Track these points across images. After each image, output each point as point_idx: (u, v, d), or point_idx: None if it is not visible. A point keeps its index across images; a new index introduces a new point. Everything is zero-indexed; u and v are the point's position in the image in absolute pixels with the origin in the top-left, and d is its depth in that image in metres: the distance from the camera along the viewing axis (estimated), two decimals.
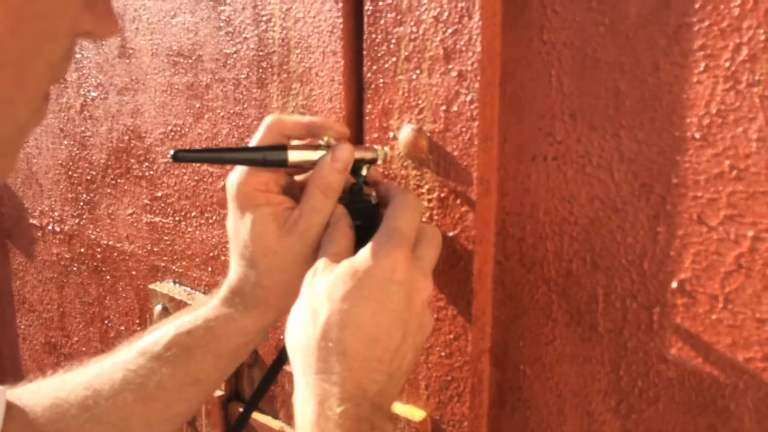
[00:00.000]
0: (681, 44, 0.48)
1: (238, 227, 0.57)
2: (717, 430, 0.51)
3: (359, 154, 0.57)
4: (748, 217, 0.47)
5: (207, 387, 0.62)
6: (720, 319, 0.49)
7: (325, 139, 0.55)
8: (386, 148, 0.60)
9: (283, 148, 0.55)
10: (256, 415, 0.78)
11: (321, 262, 0.53)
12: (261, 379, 0.65)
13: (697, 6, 0.47)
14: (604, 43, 0.51)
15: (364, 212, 0.57)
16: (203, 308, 0.60)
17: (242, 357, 0.62)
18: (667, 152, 0.50)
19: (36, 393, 0.59)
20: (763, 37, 0.44)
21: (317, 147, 0.55)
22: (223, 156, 0.58)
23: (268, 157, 0.54)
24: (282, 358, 0.63)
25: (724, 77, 0.46)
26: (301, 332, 0.50)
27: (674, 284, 0.51)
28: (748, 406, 0.49)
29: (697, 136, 0.48)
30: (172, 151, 0.53)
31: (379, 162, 0.59)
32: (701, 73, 0.47)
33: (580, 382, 0.57)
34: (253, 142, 0.56)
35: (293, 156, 0.55)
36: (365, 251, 0.51)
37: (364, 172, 0.57)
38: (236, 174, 0.56)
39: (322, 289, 0.50)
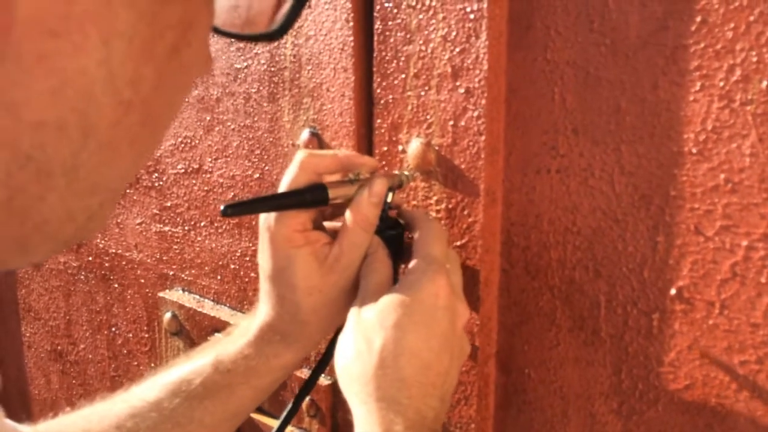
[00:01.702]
0: (678, 64, 0.50)
1: (281, 269, 0.57)
2: (713, 430, 0.54)
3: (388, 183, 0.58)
4: (742, 227, 0.50)
5: (243, 417, 0.62)
6: (716, 325, 0.52)
7: (357, 173, 0.57)
8: (406, 172, 0.61)
9: (324, 187, 0.55)
10: (264, 419, 0.80)
11: (367, 293, 0.54)
12: (296, 394, 0.65)
13: (693, 28, 0.49)
14: (605, 62, 0.54)
15: (393, 239, 0.58)
16: (237, 345, 0.60)
17: (277, 386, 0.62)
18: (665, 166, 0.52)
19: None
20: (755, 59, 0.47)
21: (350, 181, 0.56)
22: (272, 203, 0.57)
23: (312, 199, 0.55)
24: (317, 373, 0.64)
25: (718, 96, 0.49)
26: (357, 361, 0.51)
27: (673, 291, 0.54)
28: (743, 407, 0.52)
29: (694, 151, 0.51)
30: (222, 207, 0.53)
31: (403, 186, 0.61)
32: (697, 92, 0.50)
33: (583, 384, 0.60)
34: (286, 180, 0.56)
35: (333, 194, 0.56)
36: (409, 279, 0.53)
37: (389, 198, 0.58)
38: (273, 218, 0.56)
39: (373, 318, 0.52)
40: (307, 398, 0.75)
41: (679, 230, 0.53)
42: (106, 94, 0.29)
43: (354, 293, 0.56)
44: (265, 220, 0.57)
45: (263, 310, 0.59)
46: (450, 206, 0.61)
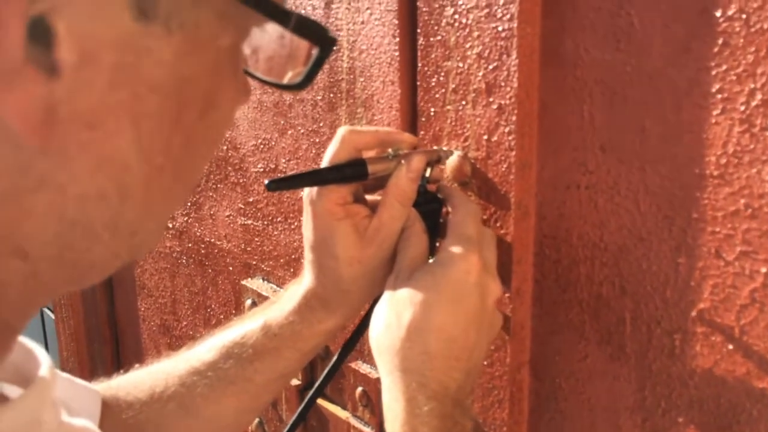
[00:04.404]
0: (701, 87, 0.50)
1: (323, 240, 0.60)
2: None
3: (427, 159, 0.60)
4: (761, 254, 0.49)
5: (290, 378, 0.68)
6: (736, 349, 0.51)
7: (396, 148, 0.59)
8: (444, 148, 0.63)
9: (363, 162, 0.58)
10: (326, 404, 0.86)
11: (402, 267, 0.58)
12: (327, 370, 0.70)
13: (715, 50, 0.49)
14: (630, 81, 0.54)
15: (430, 213, 0.61)
16: (284, 311, 0.64)
17: (321, 348, 0.68)
18: (687, 188, 0.52)
19: (135, 387, 0.65)
20: None
21: (390, 157, 0.59)
22: (313, 178, 0.60)
23: (351, 174, 0.58)
24: (345, 352, 0.68)
25: (739, 120, 0.48)
26: (386, 334, 0.55)
27: (694, 313, 0.53)
28: None
29: (715, 174, 0.50)
30: (267, 182, 0.57)
31: (442, 162, 0.63)
32: (719, 115, 0.49)
33: (610, 398, 0.60)
34: (328, 155, 0.59)
35: (372, 169, 0.58)
36: (442, 257, 0.56)
37: (427, 173, 0.60)
38: (315, 192, 0.59)
39: (405, 293, 0.55)
40: (360, 389, 0.79)
41: (700, 253, 0.52)
42: (140, 164, 0.33)
43: (392, 264, 0.59)
44: (309, 193, 0.60)
45: (308, 278, 0.63)
46: (484, 217, 0.63)
